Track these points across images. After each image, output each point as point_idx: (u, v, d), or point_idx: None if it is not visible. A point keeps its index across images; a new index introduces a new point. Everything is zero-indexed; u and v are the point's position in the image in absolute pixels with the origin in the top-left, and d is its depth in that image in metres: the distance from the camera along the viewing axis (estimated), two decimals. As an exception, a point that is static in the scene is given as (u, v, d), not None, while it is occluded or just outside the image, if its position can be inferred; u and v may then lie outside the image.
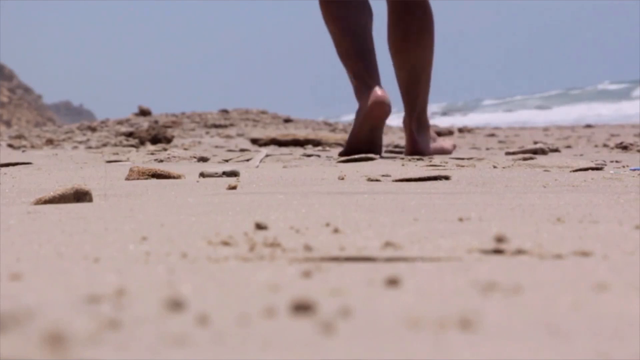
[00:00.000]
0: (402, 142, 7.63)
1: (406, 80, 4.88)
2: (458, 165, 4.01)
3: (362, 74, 4.66)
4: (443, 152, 5.20)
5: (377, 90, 4.61)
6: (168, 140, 7.30)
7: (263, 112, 13.73)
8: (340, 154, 4.90)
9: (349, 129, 10.33)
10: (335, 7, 4.66)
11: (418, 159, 4.58)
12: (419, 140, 4.95)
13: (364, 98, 4.67)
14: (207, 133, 10.79)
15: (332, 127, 11.82)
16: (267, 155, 4.99)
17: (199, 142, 8.39)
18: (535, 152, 5.26)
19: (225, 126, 11.89)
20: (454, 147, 5.39)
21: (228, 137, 9.79)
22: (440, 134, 9.61)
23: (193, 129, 11.34)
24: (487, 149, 6.71)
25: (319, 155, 5.23)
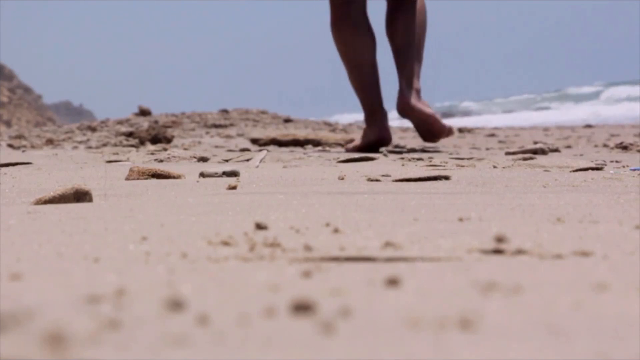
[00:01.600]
0: (402, 142, 7.64)
1: (398, 46, 5.34)
2: (458, 165, 4.01)
3: (371, 105, 5.41)
4: (434, 119, 5.49)
5: (382, 126, 5.38)
6: (168, 140, 7.30)
7: (263, 112, 13.73)
8: (347, 149, 5.59)
9: (349, 129, 10.69)
10: (346, 37, 5.29)
11: (418, 159, 4.58)
12: (406, 95, 5.31)
13: (371, 127, 5.44)
14: (207, 133, 10.80)
15: (332, 127, 11.82)
16: (267, 151, 4.99)
17: (199, 142, 8.39)
18: (535, 152, 5.26)
19: (225, 126, 11.89)
20: (451, 130, 5.63)
21: (228, 137, 9.80)
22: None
23: (193, 129, 11.35)
24: (487, 149, 6.71)
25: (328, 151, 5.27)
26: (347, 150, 5.57)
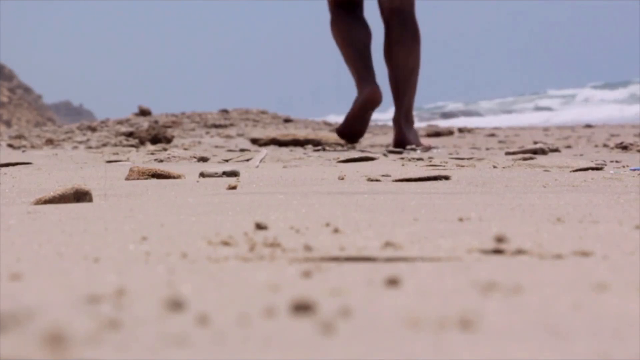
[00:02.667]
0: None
1: (396, 80, 6.00)
2: (458, 165, 4.01)
3: (362, 73, 5.93)
4: (425, 146, 6.05)
5: (374, 85, 5.91)
6: (168, 140, 7.30)
7: (263, 112, 13.73)
8: (337, 130, 6.24)
9: None
10: (342, 26, 5.95)
11: (418, 159, 4.58)
12: (405, 132, 6.00)
13: (362, 88, 5.94)
14: (207, 133, 10.80)
15: (332, 127, 11.82)
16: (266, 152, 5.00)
17: (199, 142, 8.39)
18: (535, 152, 5.26)
19: (225, 126, 11.89)
20: (430, 147, 6.17)
21: (228, 137, 9.80)
22: (440, 134, 9.62)
23: (193, 129, 11.34)
24: (487, 149, 6.71)
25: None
26: (341, 128, 6.17)
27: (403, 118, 6.03)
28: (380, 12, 6.00)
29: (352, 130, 6.12)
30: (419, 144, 6.01)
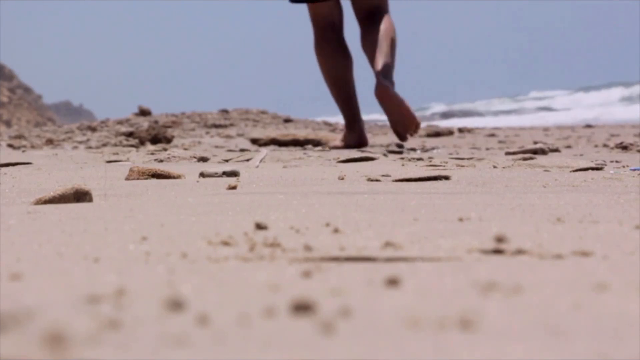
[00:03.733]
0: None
1: (372, 47, 5.99)
2: (458, 165, 4.01)
3: (347, 117, 6.32)
4: (406, 107, 5.97)
5: (358, 132, 6.28)
6: (168, 140, 7.30)
7: (263, 112, 13.73)
8: (330, 147, 6.35)
9: None
10: (326, 59, 6.22)
11: (418, 159, 4.58)
12: (384, 83, 5.86)
13: (350, 133, 6.34)
14: (207, 133, 10.80)
15: (332, 127, 11.82)
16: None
17: (199, 142, 8.39)
18: (535, 152, 5.26)
19: (225, 126, 11.89)
20: (419, 125, 6.12)
21: (228, 137, 9.80)
22: (440, 134, 9.62)
23: (193, 129, 11.35)
24: (487, 149, 6.71)
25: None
26: (330, 148, 6.36)
27: (381, 73, 5.89)
28: (355, 13, 6.16)
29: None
30: (396, 97, 5.90)
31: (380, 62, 5.93)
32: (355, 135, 6.28)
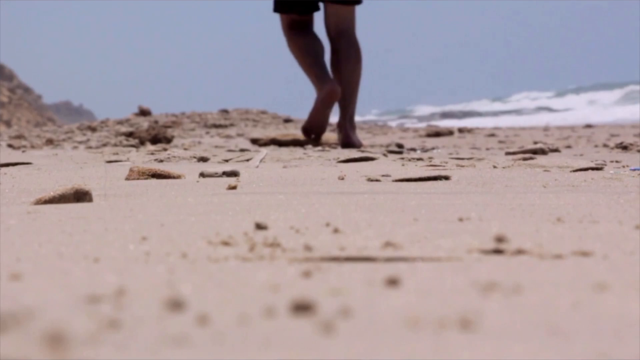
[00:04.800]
0: (403, 141, 7.71)
1: (343, 92, 6.86)
2: (458, 165, 4.01)
3: (319, 74, 6.82)
4: (364, 145, 6.95)
5: (332, 81, 6.78)
6: (168, 140, 7.31)
7: (263, 112, 13.73)
8: (302, 128, 7.07)
9: None
10: (298, 40, 6.92)
11: (418, 159, 4.59)
12: (351, 135, 6.86)
13: (322, 86, 6.79)
14: (207, 133, 10.80)
15: (332, 127, 11.82)
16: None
17: (199, 142, 8.40)
18: (535, 152, 5.26)
19: (225, 126, 11.90)
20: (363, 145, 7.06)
21: (228, 137, 9.80)
22: (440, 134, 9.62)
23: (193, 129, 11.35)
24: (487, 149, 6.71)
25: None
26: (306, 125, 6.99)
27: (348, 123, 6.93)
28: (326, 32, 6.94)
29: (316, 126, 6.98)
30: (361, 145, 6.90)
31: (347, 110, 6.92)
32: (326, 86, 6.79)
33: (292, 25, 7.02)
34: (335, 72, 6.93)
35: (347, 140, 6.94)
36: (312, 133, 7.02)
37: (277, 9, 6.98)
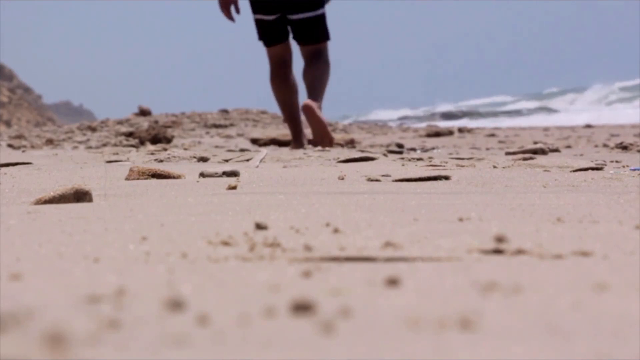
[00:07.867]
0: (403, 141, 7.70)
1: (308, 87, 7.46)
2: (458, 165, 4.01)
3: (295, 130, 7.54)
4: (324, 126, 7.38)
5: (303, 142, 7.42)
6: (168, 140, 7.31)
7: (263, 112, 13.74)
8: (310, 143, 7.61)
9: (349, 129, 11.43)
10: (279, 89, 7.60)
11: (418, 159, 4.58)
12: (310, 102, 7.15)
13: (297, 142, 7.51)
14: (207, 133, 10.80)
15: (332, 127, 11.82)
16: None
17: (199, 142, 8.40)
18: (535, 152, 5.26)
19: (225, 126, 11.90)
20: (332, 142, 7.36)
21: (228, 137, 9.80)
22: (440, 134, 9.62)
23: (193, 129, 11.35)
24: (487, 149, 6.71)
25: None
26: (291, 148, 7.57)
27: (312, 99, 7.29)
28: (300, 51, 7.61)
29: (320, 134, 7.35)
30: (322, 119, 7.33)
31: (313, 90, 7.44)
32: (299, 144, 7.51)
33: (277, 65, 7.69)
34: (305, 77, 7.52)
35: (309, 105, 7.36)
36: (319, 144, 7.28)
37: (260, 37, 7.66)
